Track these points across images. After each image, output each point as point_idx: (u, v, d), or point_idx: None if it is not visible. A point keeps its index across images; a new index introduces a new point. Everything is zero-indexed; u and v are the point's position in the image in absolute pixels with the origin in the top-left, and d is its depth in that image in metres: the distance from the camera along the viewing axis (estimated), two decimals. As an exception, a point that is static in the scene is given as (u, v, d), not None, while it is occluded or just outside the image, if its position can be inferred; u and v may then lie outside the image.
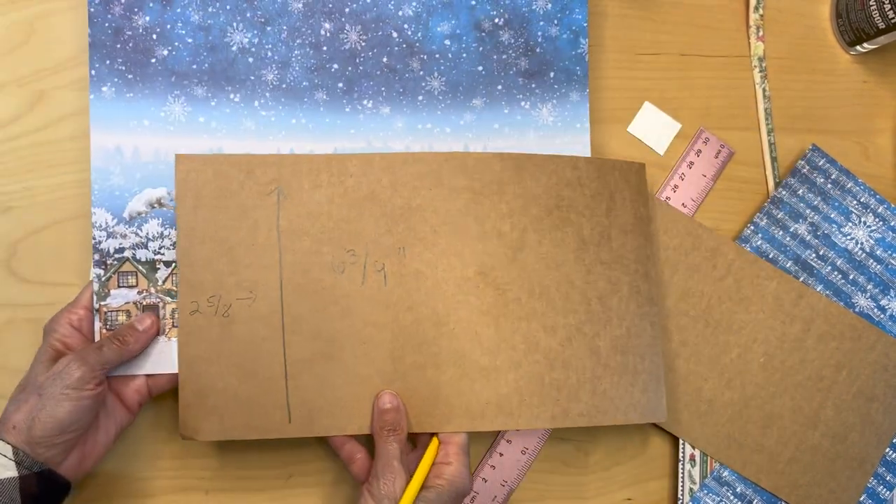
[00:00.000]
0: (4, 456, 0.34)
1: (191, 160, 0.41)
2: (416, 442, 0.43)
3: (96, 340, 0.40)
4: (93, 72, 0.41)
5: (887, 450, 0.49)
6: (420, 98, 0.45)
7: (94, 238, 0.41)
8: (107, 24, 0.41)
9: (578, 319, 0.43)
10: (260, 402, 0.40)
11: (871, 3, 0.49)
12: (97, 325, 0.40)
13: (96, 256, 0.41)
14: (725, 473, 0.47)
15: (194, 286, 0.40)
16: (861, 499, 0.48)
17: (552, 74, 0.46)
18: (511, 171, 0.43)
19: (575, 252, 0.43)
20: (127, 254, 0.41)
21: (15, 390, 0.37)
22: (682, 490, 0.47)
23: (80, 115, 0.44)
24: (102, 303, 0.41)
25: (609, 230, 0.44)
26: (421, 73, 0.45)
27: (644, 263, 0.45)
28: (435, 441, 0.41)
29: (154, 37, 0.42)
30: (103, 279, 0.41)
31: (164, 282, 0.42)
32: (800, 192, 0.50)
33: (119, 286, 0.41)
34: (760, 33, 0.52)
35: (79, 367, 0.36)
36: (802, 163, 0.50)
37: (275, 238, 0.41)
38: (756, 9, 0.52)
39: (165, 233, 0.42)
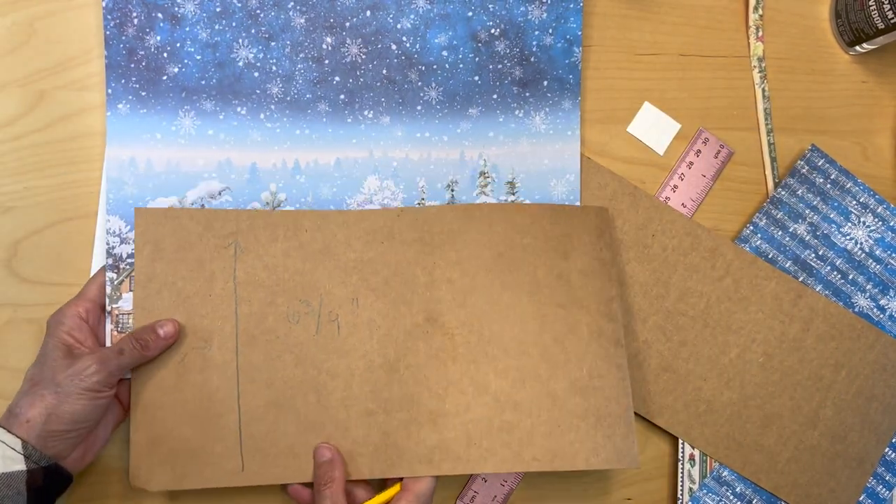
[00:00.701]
0: (14, 450, 0.35)
1: (150, 213, 0.42)
2: (385, 487, 0.43)
3: (106, 340, 0.42)
4: (109, 90, 0.43)
5: (886, 449, 0.49)
6: (419, 108, 0.46)
7: (108, 243, 0.43)
8: (121, 46, 0.43)
9: (532, 362, 0.43)
10: (213, 451, 0.41)
11: (870, 3, 0.49)
12: (108, 326, 0.42)
13: (109, 261, 0.43)
14: (725, 473, 0.48)
15: None
16: (860, 498, 0.49)
17: (545, 83, 0.47)
18: (462, 220, 0.44)
19: (528, 295, 0.44)
20: None
21: (25, 384, 0.38)
22: (682, 490, 0.48)
23: (80, 116, 0.45)
24: (114, 305, 0.43)
25: (567, 273, 0.44)
26: (419, 83, 0.46)
27: (607, 305, 0.45)
28: (396, 486, 0.41)
29: (165, 55, 0.44)
30: (116, 283, 0.43)
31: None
32: (799, 192, 0.50)
33: (130, 290, 0.43)
34: (760, 33, 0.52)
35: (98, 370, 0.37)
36: (802, 163, 0.50)
37: (231, 289, 0.42)
38: (755, 9, 0.52)
39: None
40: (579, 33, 0.47)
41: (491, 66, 0.47)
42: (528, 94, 0.47)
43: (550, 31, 0.47)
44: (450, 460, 0.42)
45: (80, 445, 0.38)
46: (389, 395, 0.42)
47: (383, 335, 0.43)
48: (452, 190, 0.47)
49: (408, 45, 0.46)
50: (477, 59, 0.47)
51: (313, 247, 0.43)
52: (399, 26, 0.46)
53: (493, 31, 0.47)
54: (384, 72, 0.46)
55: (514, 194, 0.47)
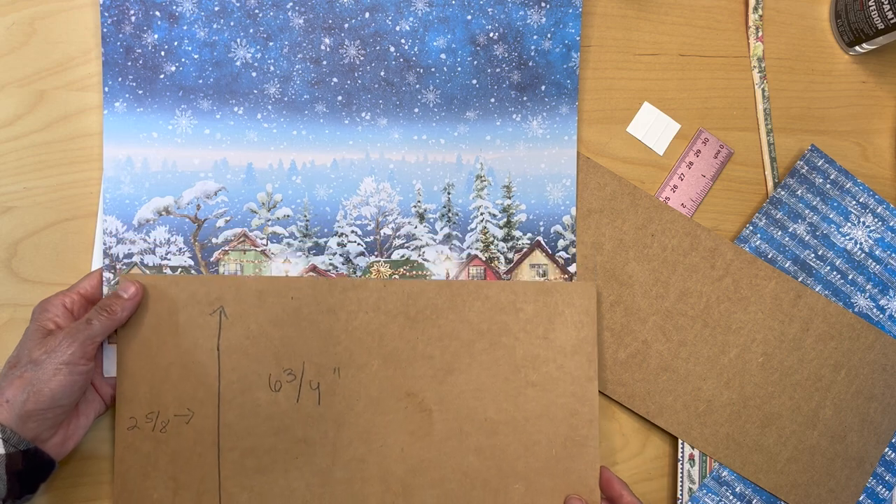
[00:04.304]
0: None
1: (136, 280, 0.42)
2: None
3: (104, 343, 0.42)
4: (106, 88, 0.43)
5: (886, 449, 0.49)
6: (416, 110, 0.46)
7: (105, 244, 0.43)
8: (119, 44, 0.43)
9: (505, 441, 0.44)
10: None
11: (870, 3, 0.48)
12: None
13: (106, 261, 0.43)
14: (724, 473, 0.48)
15: (132, 401, 0.42)
16: (860, 498, 0.49)
17: (543, 88, 0.47)
18: (446, 297, 0.45)
19: (505, 375, 0.44)
20: (135, 259, 0.43)
21: (4, 368, 0.38)
22: (682, 490, 0.48)
23: (80, 116, 0.45)
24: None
25: (546, 352, 0.45)
26: (417, 86, 0.46)
27: (583, 385, 0.45)
28: None
29: (162, 53, 0.44)
30: (112, 283, 0.43)
31: (173, 289, 0.43)
32: (799, 192, 0.50)
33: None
34: (759, 34, 0.52)
35: (70, 343, 0.37)
36: (801, 163, 0.50)
37: (215, 357, 0.42)
38: (755, 9, 0.52)
39: (172, 239, 0.44)
40: (578, 38, 0.47)
41: (489, 70, 0.47)
42: (525, 99, 0.47)
43: (549, 35, 0.47)
44: None
45: (59, 430, 0.39)
46: (366, 465, 0.43)
47: (362, 407, 0.44)
48: (449, 193, 0.47)
49: (406, 47, 0.46)
50: (475, 62, 0.46)
51: (299, 314, 0.43)
52: (398, 28, 0.46)
53: (491, 34, 0.46)
54: (382, 74, 0.46)
55: (510, 198, 0.47)
